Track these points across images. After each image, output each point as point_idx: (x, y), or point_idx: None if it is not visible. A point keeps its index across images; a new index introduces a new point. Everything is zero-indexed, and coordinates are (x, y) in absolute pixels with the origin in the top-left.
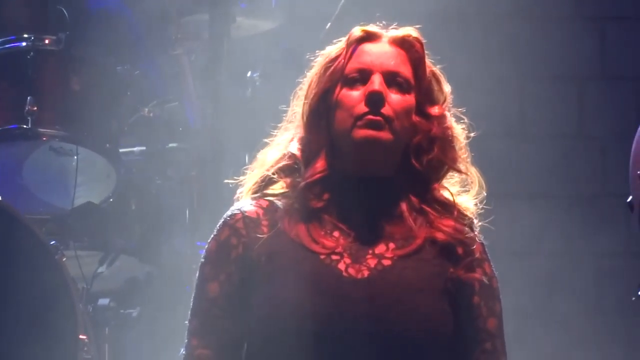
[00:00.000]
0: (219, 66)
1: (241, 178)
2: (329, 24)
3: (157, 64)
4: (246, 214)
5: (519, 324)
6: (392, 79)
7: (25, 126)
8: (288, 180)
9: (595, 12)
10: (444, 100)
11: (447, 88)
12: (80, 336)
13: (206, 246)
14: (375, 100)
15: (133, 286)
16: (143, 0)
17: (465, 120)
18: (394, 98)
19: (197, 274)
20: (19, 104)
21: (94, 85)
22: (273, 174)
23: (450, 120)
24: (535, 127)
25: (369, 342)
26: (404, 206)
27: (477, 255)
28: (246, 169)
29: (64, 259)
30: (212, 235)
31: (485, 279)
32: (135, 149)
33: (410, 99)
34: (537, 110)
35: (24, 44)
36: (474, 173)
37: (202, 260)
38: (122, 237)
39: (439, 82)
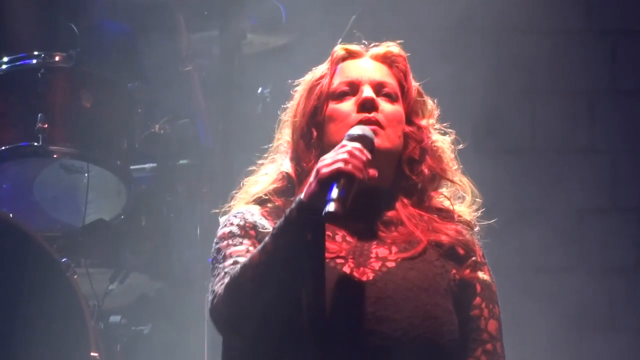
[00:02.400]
0: (229, 83)
1: (228, 205)
2: (340, 40)
3: (168, 80)
4: (251, 211)
5: (527, 339)
6: (380, 89)
7: (36, 143)
8: (281, 200)
9: (606, 26)
10: (431, 114)
11: (430, 103)
12: (92, 353)
13: (216, 235)
14: (368, 106)
15: (144, 303)
16: (153, 16)
17: (452, 133)
18: (385, 106)
19: (211, 260)
20: (30, 122)
21: (104, 102)
22: (266, 195)
23: (437, 136)
24: (546, 141)
25: (377, 342)
26: (404, 214)
27: (479, 257)
28: (236, 192)
29: (75, 276)
30: (220, 228)
31: (487, 281)
32: (146, 165)
33: (399, 109)
34: (548, 124)
35: (34, 61)
36: (466, 183)
37: (215, 245)
38: (133, 253)
39: (422, 96)
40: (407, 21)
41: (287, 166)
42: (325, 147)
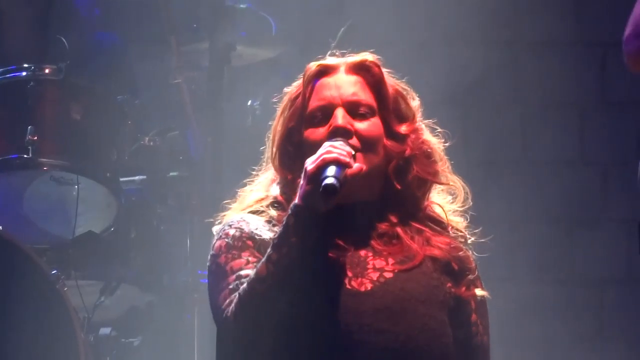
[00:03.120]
0: (219, 95)
1: (223, 213)
2: (329, 52)
3: (158, 93)
4: (247, 220)
5: (519, 351)
6: (354, 109)
7: (25, 156)
8: (275, 214)
9: (596, 39)
10: (413, 116)
11: (414, 103)
12: None
13: (212, 248)
14: (340, 135)
15: (134, 315)
16: (143, 29)
17: (440, 131)
18: (360, 127)
19: (208, 273)
20: (20, 134)
21: (94, 115)
22: (257, 210)
23: (425, 133)
24: (536, 153)
25: (374, 354)
26: (398, 227)
27: (474, 273)
28: (226, 203)
29: (65, 289)
30: (215, 239)
31: (482, 298)
32: (136, 178)
33: (376, 123)
34: (538, 136)
35: (24, 73)
36: (456, 181)
37: (212, 257)
38: (123, 266)
39: (405, 99)
40: (396, 33)
41: (275, 191)
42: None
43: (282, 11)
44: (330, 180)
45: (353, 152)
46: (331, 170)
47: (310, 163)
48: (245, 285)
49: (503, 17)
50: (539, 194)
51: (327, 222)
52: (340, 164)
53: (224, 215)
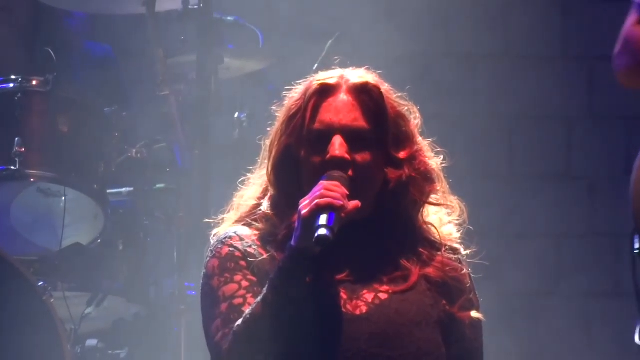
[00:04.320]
0: (206, 107)
1: (220, 217)
2: (316, 65)
3: (145, 105)
4: (241, 234)
5: None
6: (353, 136)
7: (12, 167)
8: (267, 226)
9: (582, 52)
10: (413, 138)
11: (415, 121)
12: None
13: (205, 266)
14: (336, 165)
15: (121, 327)
16: (130, 41)
17: (439, 150)
18: (357, 157)
19: (201, 292)
20: (7, 145)
21: (81, 127)
22: (248, 223)
23: (424, 152)
24: (523, 167)
25: None
26: (393, 246)
27: (469, 293)
28: (223, 210)
29: (52, 300)
30: (208, 257)
31: (477, 318)
32: (123, 190)
33: (374, 151)
34: (525, 149)
35: (11, 85)
36: (453, 201)
37: (205, 278)
38: (110, 278)
39: (404, 120)
40: (381, 47)
41: (266, 206)
42: (304, 187)
43: (270, 24)
44: (322, 232)
45: (347, 193)
46: (324, 218)
47: (303, 207)
48: (240, 322)
49: (490, 30)
50: (524, 208)
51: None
52: (334, 209)
53: (221, 219)
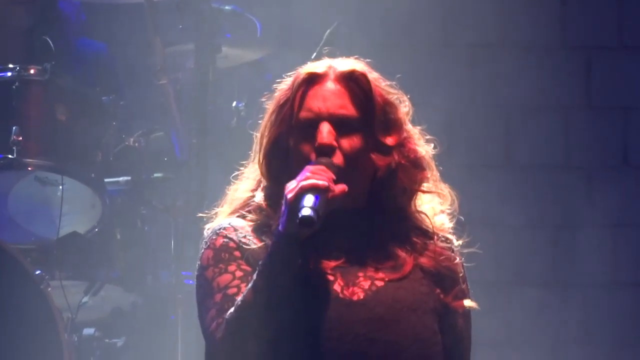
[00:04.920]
0: (204, 96)
1: (215, 210)
2: (314, 55)
3: (143, 94)
4: (235, 225)
5: (504, 353)
6: (340, 123)
7: (10, 156)
8: (261, 217)
9: (580, 43)
10: (401, 126)
11: (404, 109)
12: None
13: (200, 258)
14: (324, 152)
15: (118, 316)
16: (128, 30)
17: (430, 137)
18: (345, 143)
19: (196, 284)
20: (4, 134)
21: (79, 116)
22: (242, 215)
23: (414, 140)
24: (521, 158)
25: None
26: (386, 235)
27: (462, 282)
28: (217, 204)
29: (49, 289)
30: (202, 248)
31: (470, 307)
32: (120, 179)
33: (362, 137)
34: (523, 140)
35: (9, 74)
36: (444, 189)
37: (200, 269)
38: (107, 267)
39: (393, 107)
40: (378, 38)
41: (259, 197)
42: (293, 174)
43: (268, 13)
44: (306, 212)
45: (334, 177)
46: (308, 200)
47: (289, 191)
48: (232, 310)
49: (487, 21)
50: (522, 198)
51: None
52: (319, 191)
53: (215, 213)
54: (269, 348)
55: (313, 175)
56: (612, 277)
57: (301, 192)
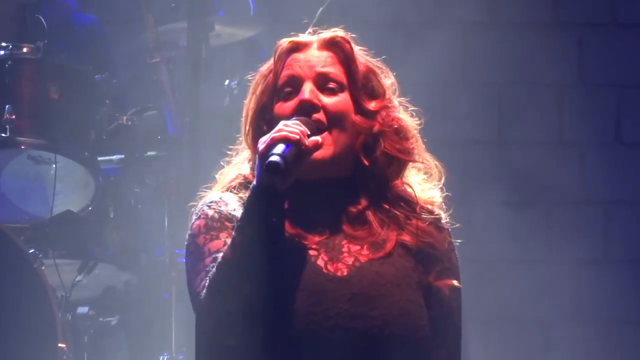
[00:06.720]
0: (197, 74)
1: (203, 194)
2: (307, 32)
3: (136, 72)
4: (226, 199)
5: (501, 328)
6: (323, 82)
7: (3, 134)
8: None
9: (573, 19)
10: (384, 93)
11: (387, 81)
12: (59, 344)
13: (190, 227)
14: (306, 109)
15: (112, 294)
16: (121, 8)
17: (415, 110)
18: (328, 101)
19: (186, 252)
20: None
21: (72, 94)
22: (231, 189)
23: (397, 111)
24: (514, 134)
25: (352, 338)
26: (369, 210)
27: (446, 260)
28: (205, 187)
29: (43, 268)
30: (193, 219)
31: (455, 285)
32: (113, 157)
33: (345, 98)
34: (516, 116)
35: (1, 52)
36: (429, 160)
37: (190, 237)
38: (100, 245)
39: (376, 76)
40: (373, 14)
41: (246, 169)
42: None
43: None
44: (273, 158)
45: (308, 132)
46: (278, 148)
47: (261, 142)
48: (214, 269)
49: None
50: (515, 175)
51: (297, 199)
52: (290, 142)
53: (202, 197)
54: (251, 310)
55: (285, 128)
56: (605, 254)
57: (272, 143)
